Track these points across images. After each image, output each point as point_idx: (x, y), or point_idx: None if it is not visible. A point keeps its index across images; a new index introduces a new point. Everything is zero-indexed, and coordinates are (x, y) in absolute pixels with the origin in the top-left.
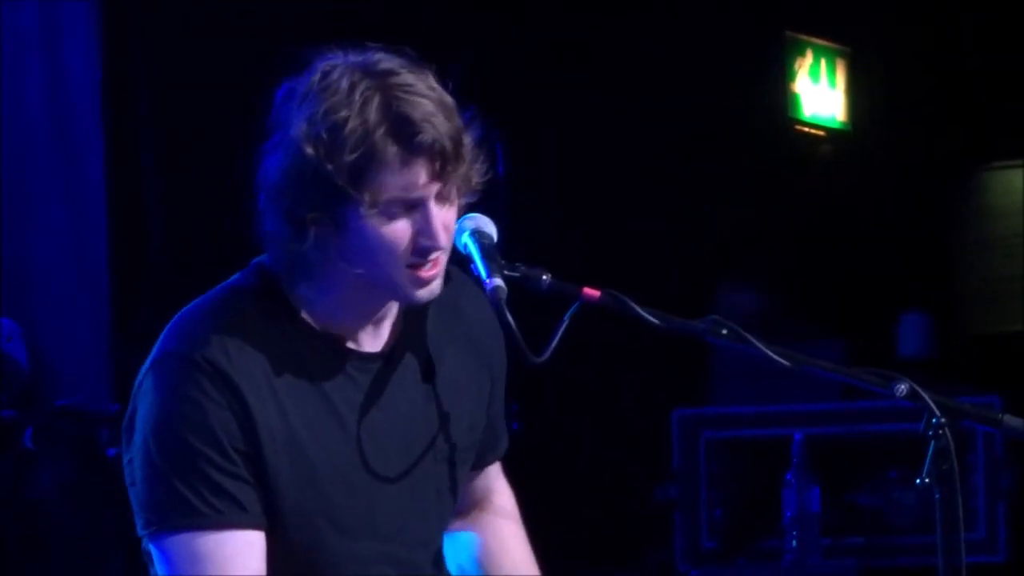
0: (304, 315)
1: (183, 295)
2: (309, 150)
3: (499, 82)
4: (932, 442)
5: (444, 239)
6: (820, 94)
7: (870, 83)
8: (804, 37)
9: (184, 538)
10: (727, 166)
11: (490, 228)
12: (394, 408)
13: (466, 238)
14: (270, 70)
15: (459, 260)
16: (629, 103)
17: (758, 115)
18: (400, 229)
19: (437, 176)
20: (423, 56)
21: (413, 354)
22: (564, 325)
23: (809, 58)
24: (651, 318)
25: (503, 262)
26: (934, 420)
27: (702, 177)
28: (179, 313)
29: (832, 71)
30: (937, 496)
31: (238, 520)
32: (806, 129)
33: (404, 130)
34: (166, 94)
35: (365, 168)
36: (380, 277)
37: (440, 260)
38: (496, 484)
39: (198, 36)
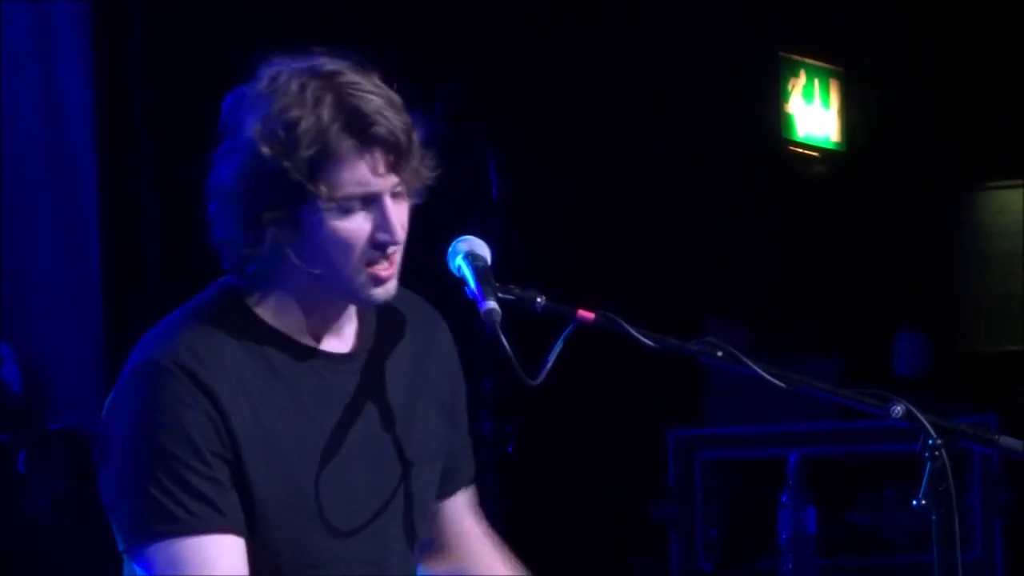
0: (268, 320)
1: None
2: (265, 149)
3: (494, 103)
4: (928, 463)
5: (400, 234)
6: (814, 114)
7: (864, 103)
8: (797, 58)
9: (163, 545)
10: (721, 187)
11: (484, 251)
12: (361, 407)
13: (460, 261)
14: None
15: (454, 283)
16: (623, 124)
17: (752, 136)
18: (357, 224)
19: (392, 168)
20: (420, 75)
21: (380, 362)
22: (559, 347)
23: (803, 78)
24: (646, 340)
25: (497, 284)
26: (930, 441)
27: (697, 198)
28: (148, 331)
29: (826, 91)
30: (934, 517)
31: (217, 524)
32: (800, 150)
33: (358, 124)
34: (160, 110)
35: (322, 164)
36: (337, 277)
37: (395, 259)
38: (466, 524)
39: (193, 49)
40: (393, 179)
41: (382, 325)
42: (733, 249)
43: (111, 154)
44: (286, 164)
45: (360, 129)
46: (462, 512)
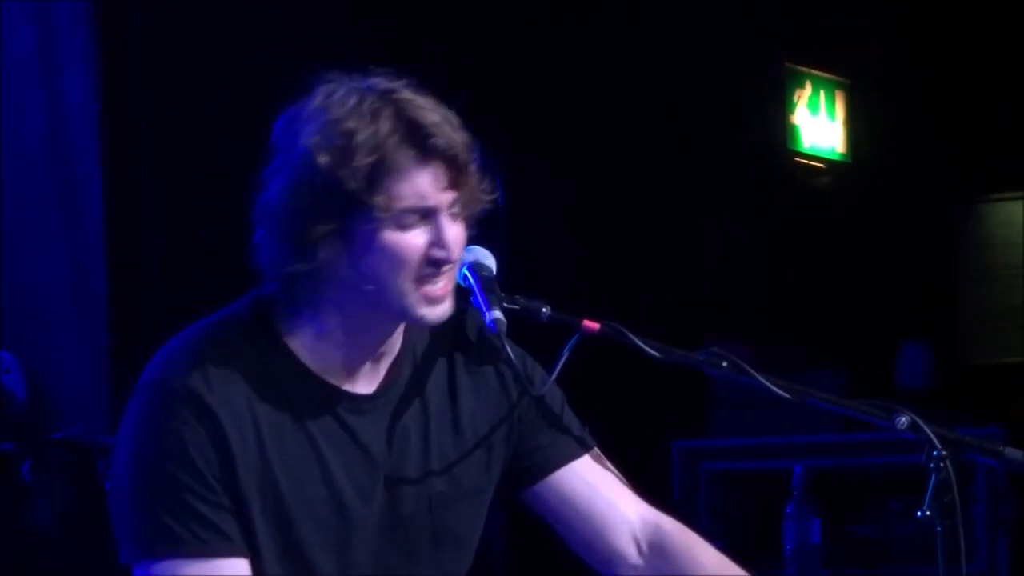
0: (295, 351)
1: (182, 326)
2: (322, 158)
3: (497, 114)
4: (933, 474)
5: (456, 252)
6: (819, 126)
7: (869, 115)
8: (803, 69)
9: (168, 565)
10: (726, 197)
11: (489, 261)
12: (382, 448)
13: (465, 271)
14: (269, 97)
15: (459, 292)
16: (628, 135)
17: (757, 147)
18: (412, 239)
19: (450, 185)
20: (420, 82)
21: (410, 397)
22: (564, 358)
23: (808, 90)
24: (651, 350)
25: (502, 295)
26: (935, 452)
27: (701, 209)
28: (167, 342)
29: (831, 103)
30: (938, 528)
31: (222, 549)
32: (805, 161)
33: (417, 135)
34: (164, 121)
35: (379, 174)
36: (388, 293)
37: (449, 278)
38: (587, 489)
39: (197, 64)
40: (451, 196)
41: (422, 353)
42: (737, 259)
43: (115, 165)
44: (343, 174)
45: (419, 141)
46: (580, 481)
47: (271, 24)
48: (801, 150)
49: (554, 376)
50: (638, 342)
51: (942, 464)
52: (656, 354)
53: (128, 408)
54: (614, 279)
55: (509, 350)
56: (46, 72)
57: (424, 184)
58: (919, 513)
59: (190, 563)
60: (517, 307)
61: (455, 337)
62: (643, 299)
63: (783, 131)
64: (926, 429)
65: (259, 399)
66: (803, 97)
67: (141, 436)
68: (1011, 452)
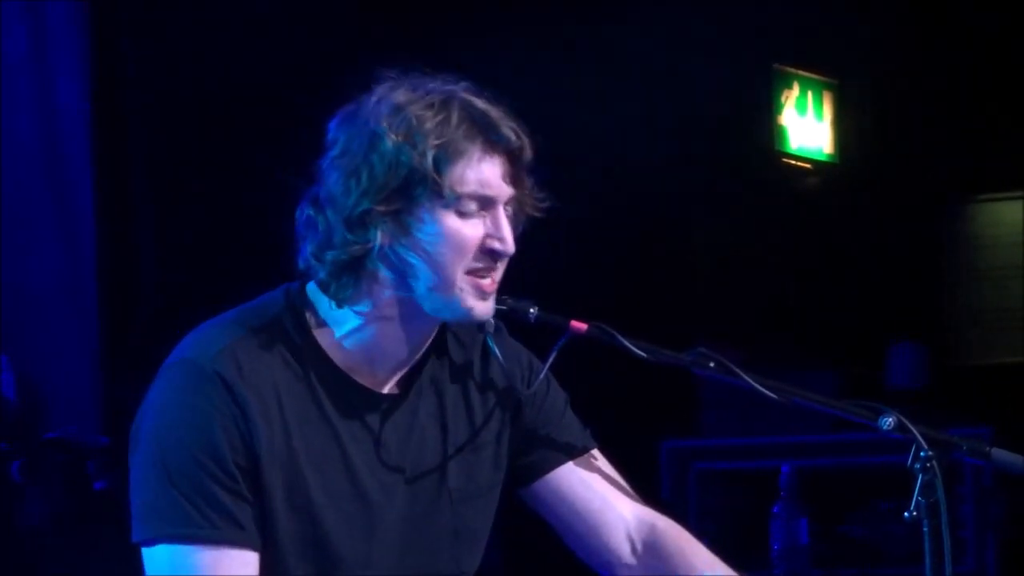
0: (324, 347)
1: (174, 328)
2: (392, 137)
3: None
4: (920, 475)
5: (511, 246)
6: (807, 126)
7: (857, 115)
8: (791, 69)
9: (178, 550)
10: (714, 198)
11: None
12: (403, 447)
13: None
14: (262, 99)
15: None
16: (617, 136)
17: (745, 148)
18: (471, 227)
19: (511, 179)
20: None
21: (428, 395)
22: (551, 358)
23: (796, 90)
24: (638, 351)
25: None
26: (922, 453)
27: (689, 209)
28: (202, 323)
29: (819, 103)
30: (925, 529)
31: (235, 537)
32: (793, 162)
33: (485, 126)
34: (156, 124)
35: (446, 158)
36: (439, 281)
37: (498, 275)
38: (584, 490)
39: (188, 65)
40: (510, 191)
41: (440, 352)
42: (726, 260)
43: (107, 167)
44: (411, 154)
45: (487, 132)
46: (577, 481)
47: (263, 26)
48: (789, 151)
49: (541, 376)
50: (625, 343)
51: (929, 464)
52: (643, 354)
53: (153, 386)
54: (602, 280)
55: (498, 351)
56: (39, 74)
57: (488, 173)
58: (906, 514)
59: (199, 549)
60: (505, 307)
61: (468, 335)
62: (631, 300)
63: (771, 132)
64: (912, 429)
65: (286, 390)
66: (791, 98)
67: (166, 414)
68: (998, 453)
